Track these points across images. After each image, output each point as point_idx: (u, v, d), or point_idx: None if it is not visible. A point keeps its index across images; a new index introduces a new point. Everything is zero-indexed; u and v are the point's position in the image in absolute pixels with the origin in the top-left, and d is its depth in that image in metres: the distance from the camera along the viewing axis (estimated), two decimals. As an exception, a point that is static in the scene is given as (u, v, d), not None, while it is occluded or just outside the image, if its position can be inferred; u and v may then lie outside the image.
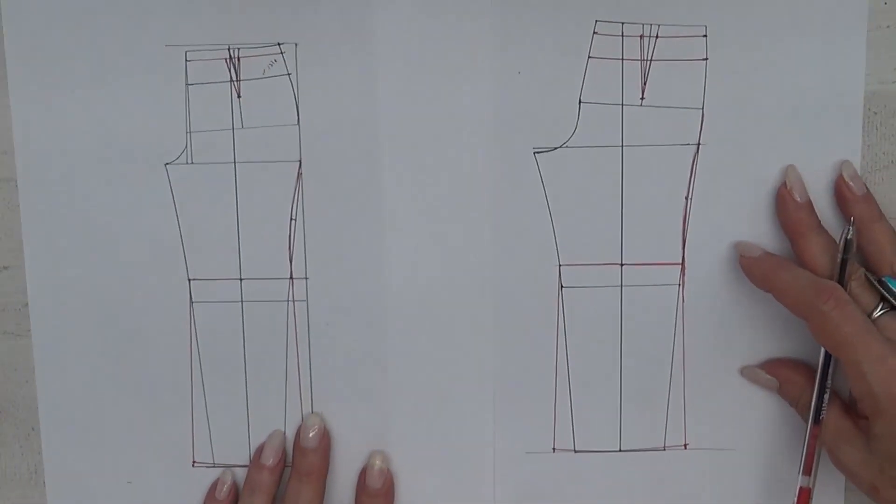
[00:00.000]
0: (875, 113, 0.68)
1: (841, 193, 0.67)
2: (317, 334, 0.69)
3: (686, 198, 0.68)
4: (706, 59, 0.67)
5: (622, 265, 0.68)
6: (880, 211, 0.66)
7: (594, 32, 0.66)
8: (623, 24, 0.66)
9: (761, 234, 0.68)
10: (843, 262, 0.64)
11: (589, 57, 0.66)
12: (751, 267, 0.66)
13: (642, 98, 0.67)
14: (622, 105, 0.67)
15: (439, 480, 0.71)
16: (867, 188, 0.67)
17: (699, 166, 0.67)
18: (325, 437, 0.69)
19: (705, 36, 0.66)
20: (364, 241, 0.68)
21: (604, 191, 0.68)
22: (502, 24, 0.66)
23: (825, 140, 0.67)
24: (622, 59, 0.67)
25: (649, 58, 0.67)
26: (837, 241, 0.64)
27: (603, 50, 0.66)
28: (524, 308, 0.69)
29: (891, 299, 0.63)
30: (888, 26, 0.67)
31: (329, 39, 0.66)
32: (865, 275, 0.64)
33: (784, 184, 0.67)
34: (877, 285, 0.64)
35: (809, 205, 0.66)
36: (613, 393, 0.70)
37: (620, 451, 0.71)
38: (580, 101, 0.67)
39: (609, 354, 0.69)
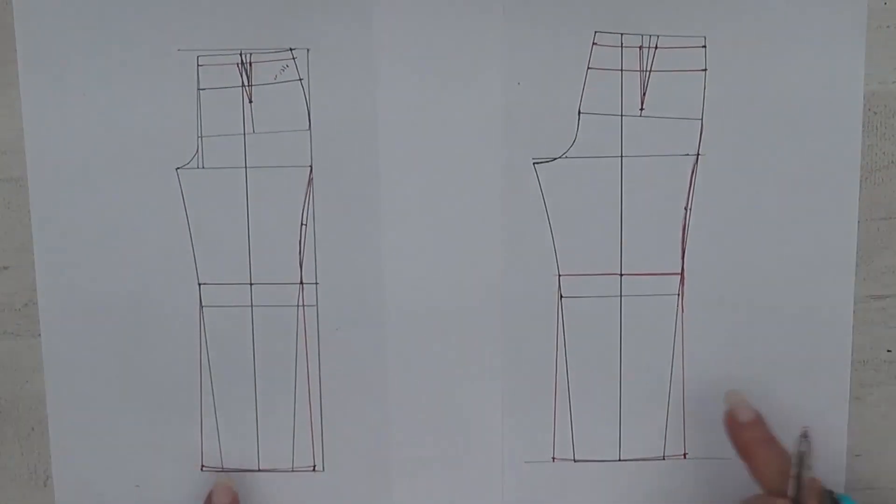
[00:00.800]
0: (875, 113, 0.67)
1: (730, 424, 0.66)
2: (326, 339, 0.70)
3: (685, 208, 0.68)
4: (705, 69, 0.66)
5: (621, 275, 0.69)
6: (770, 433, 0.65)
7: (594, 43, 0.66)
8: (622, 34, 0.66)
9: (760, 244, 0.68)
10: (797, 477, 0.61)
11: (588, 68, 0.66)
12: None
13: (641, 108, 0.67)
14: (622, 115, 0.67)
15: (445, 486, 0.71)
16: (756, 413, 0.66)
17: (698, 176, 0.67)
18: (235, 500, 0.69)
19: (704, 47, 0.66)
20: (374, 246, 0.68)
21: (603, 201, 0.68)
22: (503, 35, 0.66)
23: (825, 148, 0.67)
24: (621, 69, 0.67)
25: (648, 68, 0.66)
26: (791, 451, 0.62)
27: (602, 61, 0.66)
28: (524, 317, 0.69)
29: None
30: (888, 26, 0.66)
31: (340, 45, 0.67)
32: (822, 489, 0.62)
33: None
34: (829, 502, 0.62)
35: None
36: (613, 402, 0.70)
37: (620, 460, 0.71)
38: (580, 112, 0.67)
39: (608, 364, 0.70)
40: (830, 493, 0.62)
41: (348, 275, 0.69)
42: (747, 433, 0.65)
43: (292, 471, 0.71)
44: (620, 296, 0.69)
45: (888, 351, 0.71)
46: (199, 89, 0.67)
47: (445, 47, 0.66)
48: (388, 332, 0.69)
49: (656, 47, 0.66)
